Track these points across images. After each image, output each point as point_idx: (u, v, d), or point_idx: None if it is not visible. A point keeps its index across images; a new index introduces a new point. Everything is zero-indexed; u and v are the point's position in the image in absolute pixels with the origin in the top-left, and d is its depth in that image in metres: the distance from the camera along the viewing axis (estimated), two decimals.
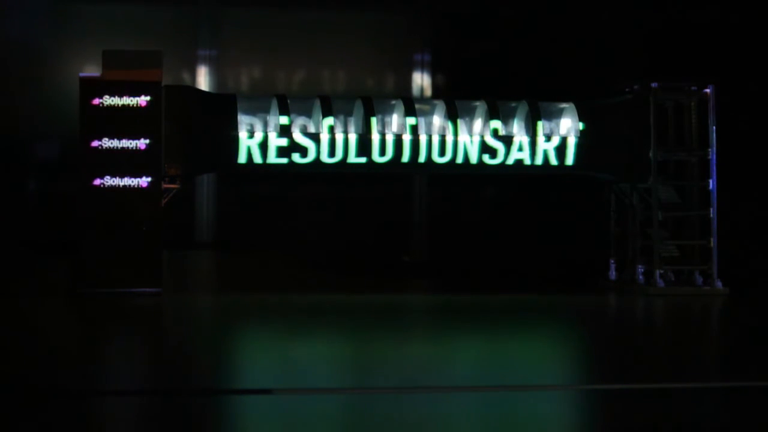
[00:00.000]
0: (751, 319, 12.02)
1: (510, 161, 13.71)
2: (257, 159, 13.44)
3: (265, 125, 13.53)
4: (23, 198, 18.39)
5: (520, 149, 13.67)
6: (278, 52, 19.31)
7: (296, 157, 13.38)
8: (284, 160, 13.41)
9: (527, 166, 13.84)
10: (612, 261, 15.13)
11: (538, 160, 13.76)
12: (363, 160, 13.51)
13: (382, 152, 13.56)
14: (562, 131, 13.94)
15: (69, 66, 16.97)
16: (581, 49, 18.30)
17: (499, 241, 18.92)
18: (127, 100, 13.24)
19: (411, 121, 13.54)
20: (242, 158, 13.50)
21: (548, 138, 13.74)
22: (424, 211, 19.67)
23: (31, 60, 17.96)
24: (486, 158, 13.63)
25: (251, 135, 13.38)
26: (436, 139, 13.60)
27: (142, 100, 13.27)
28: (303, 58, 19.43)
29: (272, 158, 13.36)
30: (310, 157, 13.40)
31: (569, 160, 13.83)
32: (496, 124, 13.59)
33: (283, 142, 13.37)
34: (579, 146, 13.92)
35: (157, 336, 10.45)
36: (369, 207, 19.28)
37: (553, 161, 13.77)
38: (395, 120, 13.73)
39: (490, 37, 18.88)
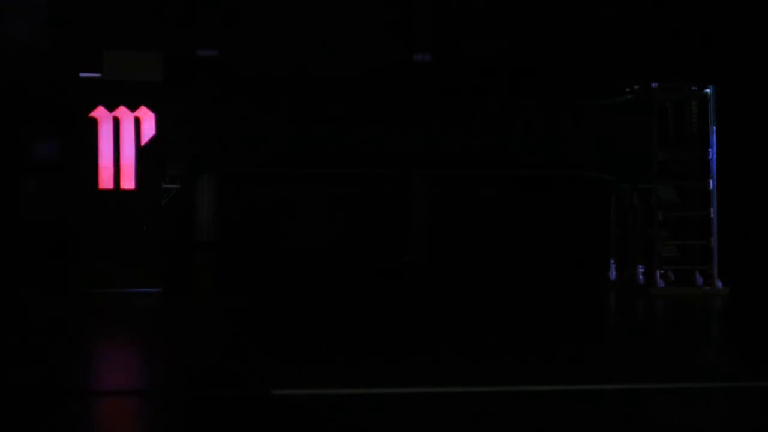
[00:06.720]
0: (754, 319, 12.02)
1: None
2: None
3: None
4: (22, 198, 18.40)
5: None
6: (276, 51, 19.33)
7: None
8: None
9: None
10: (612, 261, 15.13)
11: None
12: None
13: None
14: None
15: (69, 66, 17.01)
16: (581, 49, 18.32)
17: (499, 241, 18.91)
18: (127, 101, 13.25)
19: None
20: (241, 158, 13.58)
21: None
22: (424, 211, 19.69)
23: (31, 60, 17.98)
24: None
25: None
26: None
27: (143, 100, 13.27)
28: (301, 55, 19.43)
29: None
30: None
31: None
32: None
33: None
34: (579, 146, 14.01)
35: (157, 336, 10.45)
36: (369, 207, 19.29)
37: None
38: None
39: (490, 37, 18.90)
